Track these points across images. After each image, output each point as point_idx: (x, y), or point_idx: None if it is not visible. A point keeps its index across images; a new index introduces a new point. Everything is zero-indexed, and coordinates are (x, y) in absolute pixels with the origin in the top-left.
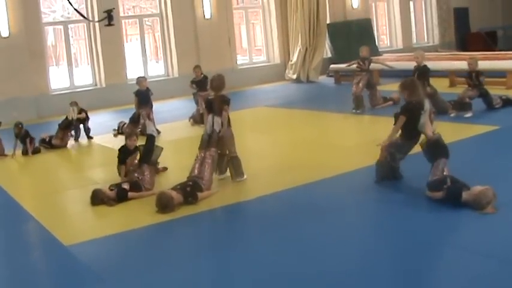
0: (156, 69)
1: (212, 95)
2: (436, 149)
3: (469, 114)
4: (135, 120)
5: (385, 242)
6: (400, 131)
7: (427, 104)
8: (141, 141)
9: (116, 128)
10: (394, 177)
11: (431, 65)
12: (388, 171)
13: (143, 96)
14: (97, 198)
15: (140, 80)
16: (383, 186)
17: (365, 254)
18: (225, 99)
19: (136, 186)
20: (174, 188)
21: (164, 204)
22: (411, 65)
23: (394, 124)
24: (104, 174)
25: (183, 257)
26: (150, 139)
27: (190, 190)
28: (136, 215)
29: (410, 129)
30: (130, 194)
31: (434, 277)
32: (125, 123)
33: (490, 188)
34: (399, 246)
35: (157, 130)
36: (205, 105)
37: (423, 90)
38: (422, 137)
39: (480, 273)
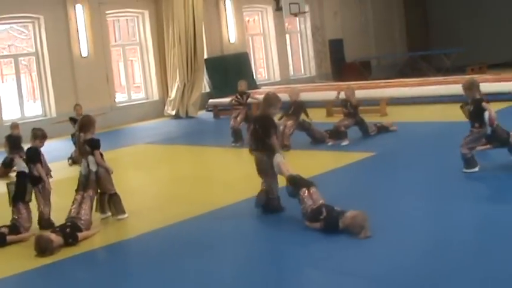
0: (33, 110)
1: (81, 137)
2: (295, 184)
3: (345, 143)
4: (7, 164)
5: (266, 272)
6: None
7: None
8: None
9: None
10: (275, 209)
11: (309, 96)
12: (267, 202)
13: (15, 142)
14: None
15: (14, 125)
16: (264, 217)
17: (248, 284)
18: (93, 144)
19: (14, 229)
20: (53, 231)
21: (43, 248)
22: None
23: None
24: None
25: None
26: (21, 176)
27: (70, 231)
28: (16, 259)
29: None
30: (9, 237)
31: None
32: None
33: (361, 212)
34: (280, 275)
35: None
36: (78, 148)
37: (295, 123)
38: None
39: None
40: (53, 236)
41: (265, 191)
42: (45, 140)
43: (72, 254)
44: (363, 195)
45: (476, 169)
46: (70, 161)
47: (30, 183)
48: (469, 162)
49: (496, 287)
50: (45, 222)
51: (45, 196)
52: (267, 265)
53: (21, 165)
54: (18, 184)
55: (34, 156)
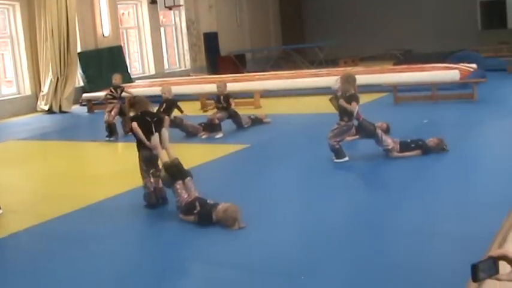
0: None
1: None
2: (172, 173)
3: (219, 135)
4: None
5: (142, 267)
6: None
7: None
8: None
9: None
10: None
11: (184, 89)
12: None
13: None
14: None
15: None
16: (140, 211)
17: (126, 279)
18: None
19: None
20: None
21: None
22: None
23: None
24: None
25: None
26: None
27: None
28: None
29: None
30: None
31: None
32: None
33: (232, 205)
34: (156, 269)
35: None
36: None
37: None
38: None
39: (230, 284)
40: None
41: (154, 189)
42: None
43: None
44: (237, 186)
45: (346, 159)
46: None
47: None
48: (337, 152)
49: (365, 271)
50: None
51: None
52: (143, 260)
53: None
54: None
55: None
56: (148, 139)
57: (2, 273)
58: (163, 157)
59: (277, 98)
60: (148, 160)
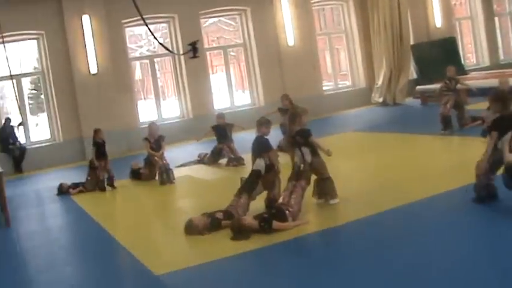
0: (242, 99)
1: (292, 129)
2: None
3: None
4: (216, 153)
5: (484, 261)
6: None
7: None
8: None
9: (198, 158)
10: (492, 197)
11: None
12: (485, 192)
13: (221, 131)
14: (191, 229)
15: (219, 115)
16: (477, 206)
17: (466, 272)
18: (305, 134)
19: (228, 215)
20: (255, 216)
21: (236, 229)
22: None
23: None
24: (193, 203)
25: (277, 285)
26: (255, 174)
27: (267, 217)
28: (229, 243)
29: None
30: (223, 222)
31: None
32: (206, 154)
33: None
34: (499, 266)
35: (241, 158)
36: (288, 140)
37: None
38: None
39: None
40: (248, 220)
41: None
42: (270, 125)
43: (287, 238)
44: None
45: None
46: (279, 148)
47: (262, 184)
48: None
49: None
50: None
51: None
52: (479, 257)
53: (259, 164)
54: (250, 180)
55: (262, 146)
56: None
57: (338, 259)
58: (508, 157)
59: None
60: (498, 159)
